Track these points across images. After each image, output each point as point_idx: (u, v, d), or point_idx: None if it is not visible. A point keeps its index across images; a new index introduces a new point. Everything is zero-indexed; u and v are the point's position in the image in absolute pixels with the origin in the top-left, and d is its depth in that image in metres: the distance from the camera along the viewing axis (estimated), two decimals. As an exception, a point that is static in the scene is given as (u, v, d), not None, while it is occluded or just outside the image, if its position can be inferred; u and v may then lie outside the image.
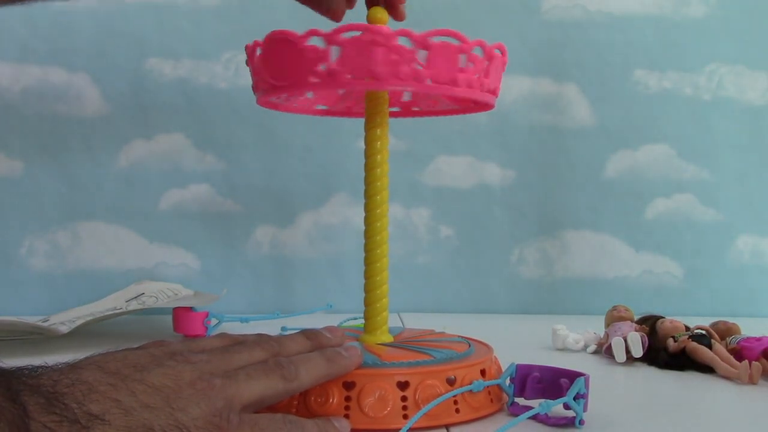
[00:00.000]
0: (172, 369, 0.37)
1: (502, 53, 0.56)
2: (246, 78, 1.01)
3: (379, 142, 0.58)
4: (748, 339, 0.69)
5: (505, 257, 1.05)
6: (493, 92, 0.56)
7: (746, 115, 1.06)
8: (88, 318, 0.81)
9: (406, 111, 0.70)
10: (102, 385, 0.33)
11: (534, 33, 1.04)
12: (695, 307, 1.05)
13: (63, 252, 1.00)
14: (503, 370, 0.55)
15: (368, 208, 0.58)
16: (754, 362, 0.64)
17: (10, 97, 0.99)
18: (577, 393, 0.49)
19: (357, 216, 1.03)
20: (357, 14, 0.66)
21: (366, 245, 0.58)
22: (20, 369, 0.34)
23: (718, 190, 1.06)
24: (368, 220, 0.58)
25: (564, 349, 0.77)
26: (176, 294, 0.91)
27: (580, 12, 1.05)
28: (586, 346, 0.77)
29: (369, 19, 0.58)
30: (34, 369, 0.34)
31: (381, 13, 0.58)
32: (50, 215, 1.00)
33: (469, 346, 0.58)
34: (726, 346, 0.70)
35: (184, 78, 1.01)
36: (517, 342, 0.80)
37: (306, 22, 1.01)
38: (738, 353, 0.68)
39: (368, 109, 0.58)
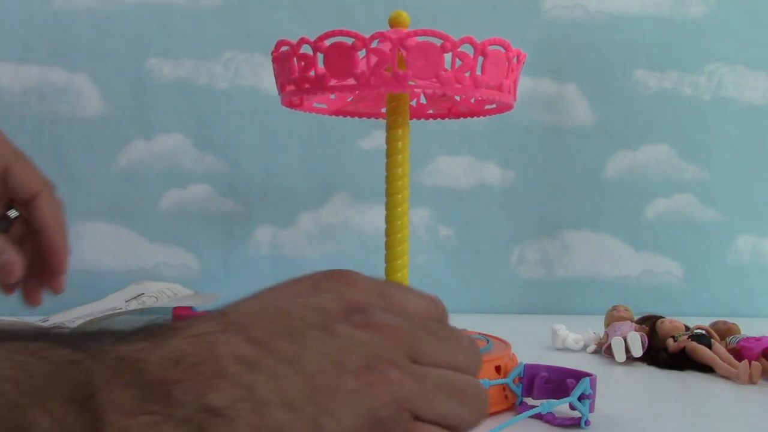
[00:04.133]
0: (339, 343, 0.26)
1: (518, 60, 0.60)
2: (246, 78, 1.02)
3: (400, 143, 0.59)
4: (747, 339, 0.69)
5: (505, 257, 1.05)
6: (515, 96, 0.60)
7: (746, 115, 1.06)
8: (88, 318, 0.81)
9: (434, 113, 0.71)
10: (235, 365, 0.24)
11: (534, 33, 1.04)
12: (695, 307, 1.04)
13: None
14: None
15: (389, 207, 0.59)
16: (753, 362, 0.64)
17: (10, 97, 0.99)
18: (582, 393, 0.49)
19: (357, 216, 1.03)
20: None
21: (387, 242, 0.59)
22: (130, 340, 0.24)
23: (718, 190, 1.06)
24: (389, 218, 0.59)
25: (564, 349, 0.77)
26: (176, 294, 0.91)
27: (580, 12, 1.05)
28: (585, 346, 0.77)
29: (392, 23, 0.58)
30: (153, 337, 0.24)
31: (404, 17, 0.59)
32: (50, 215, 0.99)
33: (488, 342, 0.58)
34: (726, 346, 0.70)
35: (184, 78, 1.01)
36: (518, 342, 0.80)
37: (306, 22, 1.02)
38: (738, 353, 0.68)
39: (390, 110, 0.59)
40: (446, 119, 0.72)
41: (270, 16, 1.01)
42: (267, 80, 1.01)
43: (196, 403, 0.23)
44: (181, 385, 0.23)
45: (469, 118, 0.71)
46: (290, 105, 0.63)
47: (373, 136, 1.02)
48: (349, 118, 0.72)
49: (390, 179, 0.59)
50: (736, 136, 1.06)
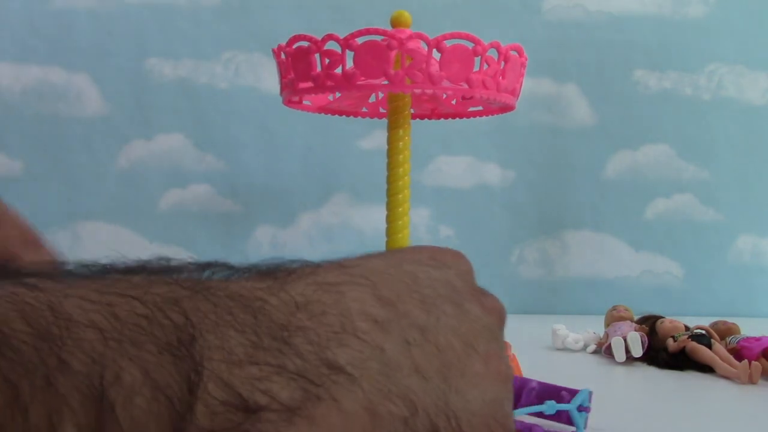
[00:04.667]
0: (469, 323, 0.24)
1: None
2: (246, 78, 1.01)
3: (401, 142, 0.59)
4: (747, 339, 0.69)
5: (505, 257, 1.05)
6: (517, 97, 0.62)
7: (746, 115, 1.06)
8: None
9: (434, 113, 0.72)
10: (365, 321, 0.22)
11: (534, 33, 1.04)
12: (695, 307, 1.04)
13: (63, 252, 1.00)
14: (521, 368, 0.54)
15: (390, 207, 0.59)
16: (753, 362, 0.64)
17: (10, 97, 0.99)
18: (580, 405, 0.48)
19: (357, 216, 1.03)
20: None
21: (387, 242, 0.59)
22: (245, 277, 0.22)
23: (718, 190, 1.06)
24: (390, 218, 0.59)
25: (564, 349, 0.77)
26: (176, 294, 0.91)
27: (580, 12, 1.05)
28: (585, 346, 0.77)
29: (393, 22, 0.58)
30: (272, 278, 0.22)
31: (405, 16, 0.59)
32: (50, 215, 0.99)
33: None
34: (726, 346, 0.70)
35: (184, 78, 1.01)
36: (517, 342, 0.80)
37: (307, 22, 1.02)
38: (737, 353, 0.68)
39: (391, 109, 0.59)
40: (443, 119, 0.72)
41: (270, 16, 1.01)
42: (267, 80, 1.01)
43: (318, 355, 0.19)
44: (304, 334, 0.20)
45: (454, 119, 0.71)
46: (288, 102, 0.63)
47: (374, 136, 1.02)
48: (345, 117, 0.72)
49: (390, 179, 0.59)
50: (736, 136, 1.06)
